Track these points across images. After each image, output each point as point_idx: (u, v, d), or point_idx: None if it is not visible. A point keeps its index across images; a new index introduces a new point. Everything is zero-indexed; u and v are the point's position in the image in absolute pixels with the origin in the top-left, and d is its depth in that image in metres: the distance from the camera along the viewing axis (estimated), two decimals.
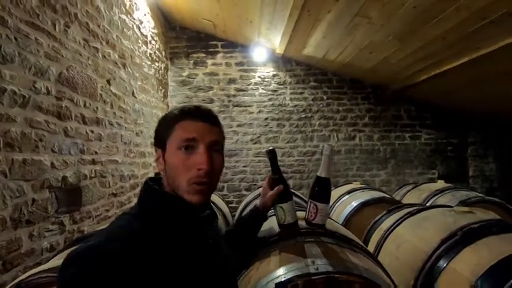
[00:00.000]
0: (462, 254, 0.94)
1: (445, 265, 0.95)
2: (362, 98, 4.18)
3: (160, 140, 0.69)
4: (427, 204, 2.08)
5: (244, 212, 2.12)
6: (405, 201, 2.41)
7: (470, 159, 4.18)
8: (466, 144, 4.21)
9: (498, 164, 4.13)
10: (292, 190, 2.63)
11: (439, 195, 2.13)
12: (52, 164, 1.68)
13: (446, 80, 3.28)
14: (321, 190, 1.05)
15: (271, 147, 1.06)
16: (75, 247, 0.54)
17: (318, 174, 1.06)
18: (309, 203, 1.07)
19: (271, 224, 1.16)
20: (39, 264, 1.54)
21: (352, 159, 4.13)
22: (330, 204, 2.40)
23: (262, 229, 1.19)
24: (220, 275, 0.70)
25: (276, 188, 1.01)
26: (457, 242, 0.97)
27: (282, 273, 0.81)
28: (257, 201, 2.20)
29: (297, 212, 1.14)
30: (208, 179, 0.65)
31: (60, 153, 1.76)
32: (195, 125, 0.67)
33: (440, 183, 2.41)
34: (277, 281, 0.77)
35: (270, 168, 1.05)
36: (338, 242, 0.96)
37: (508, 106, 3.62)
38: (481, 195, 2.07)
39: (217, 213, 1.96)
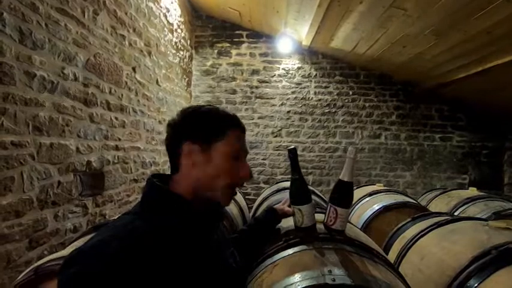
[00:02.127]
0: (496, 275, 0.85)
1: (476, 285, 0.87)
2: (390, 95, 3.98)
3: (205, 136, 0.69)
4: (456, 213, 1.95)
5: (261, 208, 2.11)
6: (432, 207, 2.27)
7: (507, 166, 3.88)
8: (503, 149, 3.90)
9: None
10: (311, 188, 2.57)
11: (470, 203, 1.97)
12: (77, 148, 1.74)
13: (486, 78, 3.03)
14: (343, 194, 0.99)
15: (293, 146, 1.01)
16: (76, 247, 0.53)
17: (341, 177, 1.00)
18: (328, 207, 1.02)
19: (288, 224, 1.13)
20: (62, 244, 1.62)
21: (376, 158, 3.97)
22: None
23: (277, 229, 1.16)
24: (222, 276, 0.71)
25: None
26: (491, 261, 0.88)
27: (296, 280, 0.77)
28: (275, 197, 2.16)
29: (316, 215, 1.10)
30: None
31: (86, 138, 1.81)
32: (243, 138, 0.75)
33: (472, 191, 2.24)
34: None
35: (288, 163, 1.01)
36: (358, 250, 0.90)
37: None
38: None
39: (230, 210, 1.95)
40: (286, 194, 2.05)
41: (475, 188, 2.27)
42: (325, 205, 1.95)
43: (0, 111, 1.24)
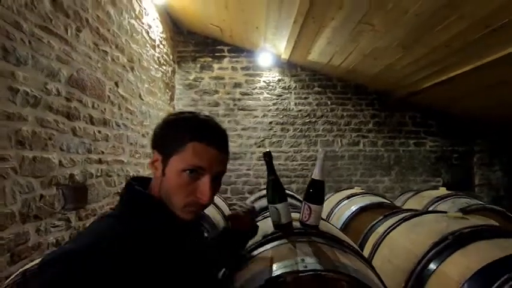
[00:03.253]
0: (452, 257, 0.95)
1: (435, 268, 0.97)
2: (366, 104, 4.20)
3: (165, 146, 0.65)
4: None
5: None
6: (406, 207, 2.40)
7: (476, 168, 4.14)
8: (472, 152, 4.17)
9: (505, 173, 4.07)
10: (292, 192, 2.66)
11: (440, 202, 2.12)
12: (60, 162, 1.75)
13: (451, 87, 3.28)
14: (315, 192, 1.08)
15: (267, 150, 1.09)
16: (53, 250, 0.53)
17: (313, 176, 1.09)
18: (303, 205, 1.10)
19: (266, 224, 1.20)
20: None
21: (355, 164, 4.13)
22: (331, 208, 2.42)
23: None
24: (200, 281, 0.70)
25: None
26: (447, 245, 0.99)
27: (273, 269, 0.84)
28: (257, 204, 2.22)
29: (292, 213, 1.18)
30: (205, 206, 0.66)
31: (68, 151, 1.83)
32: (207, 153, 0.63)
33: (442, 190, 2.41)
34: (267, 277, 0.80)
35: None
36: (329, 242, 0.98)
37: None
38: (482, 203, 2.06)
39: (213, 216, 1.98)
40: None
41: (444, 188, 2.43)
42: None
43: None
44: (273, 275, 0.80)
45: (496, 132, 4.12)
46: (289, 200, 1.75)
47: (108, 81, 2.29)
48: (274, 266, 0.85)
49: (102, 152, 2.22)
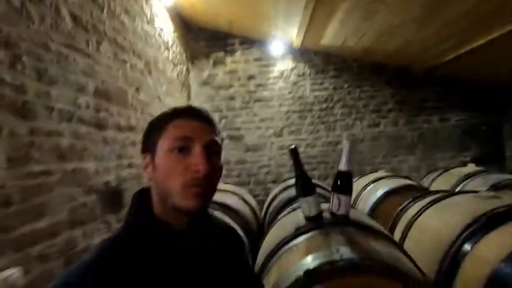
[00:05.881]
0: (486, 238, 0.96)
1: (469, 249, 0.98)
2: (385, 83, 4.08)
3: (149, 143, 0.62)
4: (457, 190, 2.05)
5: (272, 206, 2.22)
6: (434, 187, 2.37)
7: (507, 139, 3.95)
8: (502, 122, 3.98)
9: None
10: (318, 182, 2.68)
11: (469, 179, 2.07)
12: (96, 170, 1.87)
13: (474, 57, 3.12)
14: (343, 183, 1.11)
15: (293, 146, 1.13)
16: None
17: (339, 168, 1.12)
18: (332, 195, 1.14)
19: (298, 216, 1.24)
20: None
21: (377, 146, 4.07)
22: (356, 193, 2.43)
23: (289, 221, 1.27)
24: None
25: None
26: (481, 226, 0.99)
27: (309, 261, 0.89)
28: (283, 195, 2.25)
29: (322, 204, 1.22)
30: (206, 182, 0.58)
31: (102, 160, 1.95)
32: (189, 124, 0.60)
33: (471, 167, 2.34)
34: (305, 268, 0.85)
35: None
36: (361, 230, 1.02)
37: None
38: None
39: (242, 211, 2.03)
40: (293, 191, 2.17)
41: (473, 164, 2.36)
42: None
43: (28, 144, 1.38)
44: (312, 266, 0.85)
45: None
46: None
47: (129, 88, 2.39)
48: (310, 258, 0.90)
49: (132, 157, 2.33)
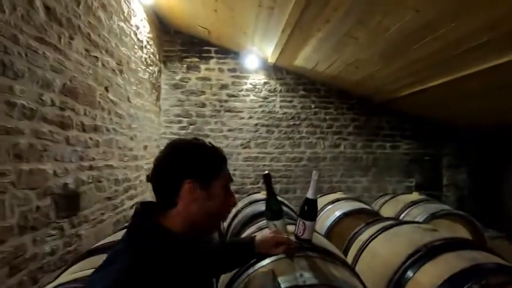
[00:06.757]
0: (425, 267, 1.12)
1: (411, 276, 1.13)
2: (347, 108, 4.40)
3: (207, 175, 0.78)
4: (402, 215, 2.30)
5: (236, 220, 2.26)
6: (383, 211, 2.62)
7: (445, 169, 4.49)
8: (441, 155, 4.51)
9: (469, 175, 4.45)
10: (281, 199, 2.79)
11: (413, 207, 2.35)
12: (54, 172, 1.76)
13: (425, 96, 3.53)
14: (309, 210, 1.20)
15: (266, 172, 1.20)
16: None
17: (307, 196, 1.21)
18: (298, 221, 1.22)
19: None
20: (41, 268, 1.63)
21: (336, 166, 4.34)
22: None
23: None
24: None
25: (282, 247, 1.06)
26: (421, 257, 1.15)
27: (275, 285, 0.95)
28: (248, 209, 2.30)
29: (288, 226, 1.30)
30: None
31: (62, 161, 1.83)
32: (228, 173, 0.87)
33: (415, 195, 2.65)
34: None
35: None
36: (322, 256, 1.11)
37: (483, 121, 3.94)
38: (449, 208, 2.31)
39: None
40: (258, 206, 2.24)
41: (417, 192, 2.67)
42: (293, 214, 2.17)
43: None
44: None
45: (463, 137, 4.48)
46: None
47: (98, 87, 2.28)
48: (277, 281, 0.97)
49: (93, 159, 2.22)
